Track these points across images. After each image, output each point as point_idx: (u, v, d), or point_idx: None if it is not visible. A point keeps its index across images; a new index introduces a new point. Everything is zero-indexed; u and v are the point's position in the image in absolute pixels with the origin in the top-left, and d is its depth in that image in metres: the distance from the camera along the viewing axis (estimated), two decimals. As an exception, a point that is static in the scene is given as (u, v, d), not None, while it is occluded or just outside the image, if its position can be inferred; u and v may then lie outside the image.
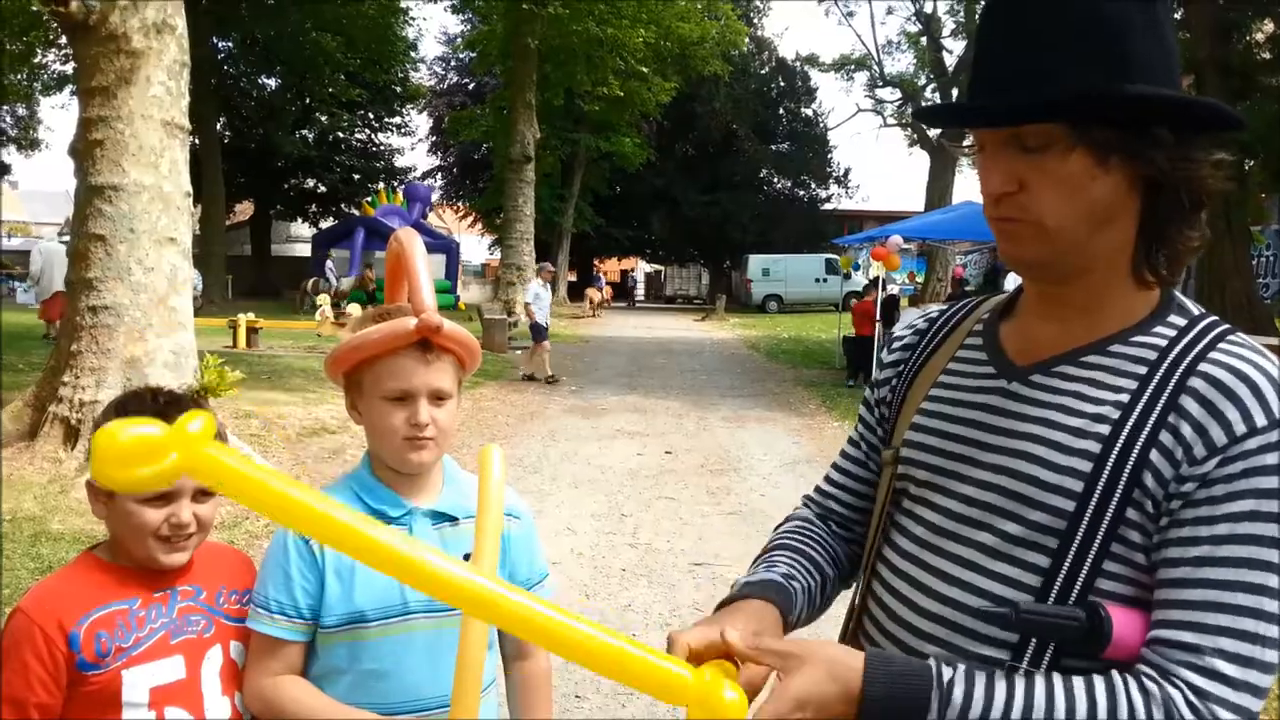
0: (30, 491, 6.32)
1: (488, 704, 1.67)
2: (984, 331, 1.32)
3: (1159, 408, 1.08)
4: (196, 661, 1.58)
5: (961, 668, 1.07)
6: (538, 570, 1.79)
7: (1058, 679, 1.05)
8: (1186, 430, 1.06)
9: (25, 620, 1.50)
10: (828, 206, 48.92)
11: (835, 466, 1.52)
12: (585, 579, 5.60)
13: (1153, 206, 1.12)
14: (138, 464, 0.94)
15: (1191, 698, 1.00)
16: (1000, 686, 1.05)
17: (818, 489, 1.54)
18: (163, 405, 1.58)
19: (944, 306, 1.46)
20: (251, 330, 16.70)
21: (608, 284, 45.46)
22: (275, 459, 7.99)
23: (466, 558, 1.64)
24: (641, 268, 57.16)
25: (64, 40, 22.82)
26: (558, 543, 6.28)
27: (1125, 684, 1.02)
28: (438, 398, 1.63)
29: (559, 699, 3.94)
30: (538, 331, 15.10)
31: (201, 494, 1.59)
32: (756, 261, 39.24)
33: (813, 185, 48.96)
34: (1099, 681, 1.03)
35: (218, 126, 34.54)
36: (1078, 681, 1.04)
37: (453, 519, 1.68)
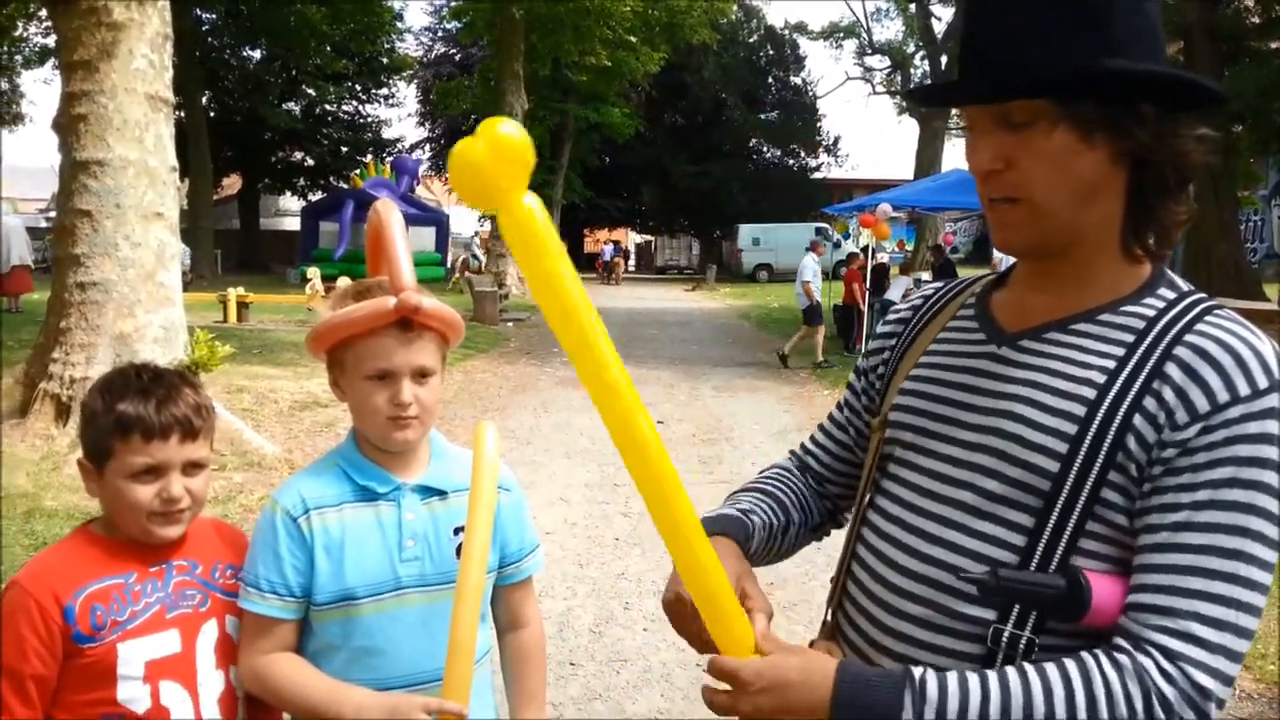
0: (23, 468, 6.32)
1: (482, 675, 1.68)
2: (976, 303, 1.33)
3: (1144, 374, 1.10)
4: (191, 636, 1.59)
5: (932, 669, 1.09)
6: (528, 541, 1.80)
7: (1029, 667, 1.07)
8: (1169, 396, 1.08)
9: (21, 593, 1.51)
10: (817, 175, 48.74)
11: (820, 427, 1.57)
12: (579, 548, 5.63)
13: (1139, 181, 1.14)
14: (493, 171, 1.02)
15: (1163, 662, 1.01)
16: (974, 678, 1.06)
17: (801, 444, 1.59)
18: (147, 382, 1.59)
19: (939, 284, 1.48)
20: (241, 305, 16.66)
21: (621, 252, 44.90)
22: (268, 433, 8.00)
23: (458, 531, 1.66)
24: (631, 238, 56.99)
25: (45, 13, 22.54)
26: (551, 513, 6.31)
27: (1097, 661, 1.04)
28: (420, 375, 1.61)
29: (553, 667, 3.98)
30: (814, 314, 13.92)
31: (192, 467, 1.59)
32: (747, 231, 39.12)
33: (802, 154, 48.80)
34: (1071, 663, 1.05)
35: (203, 100, 34.22)
36: (1049, 666, 1.06)
37: (441, 493, 1.68)
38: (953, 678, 1.07)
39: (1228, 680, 1.02)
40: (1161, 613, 1.04)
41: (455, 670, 1.41)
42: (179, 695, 1.56)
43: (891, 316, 1.49)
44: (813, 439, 1.57)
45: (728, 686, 1.15)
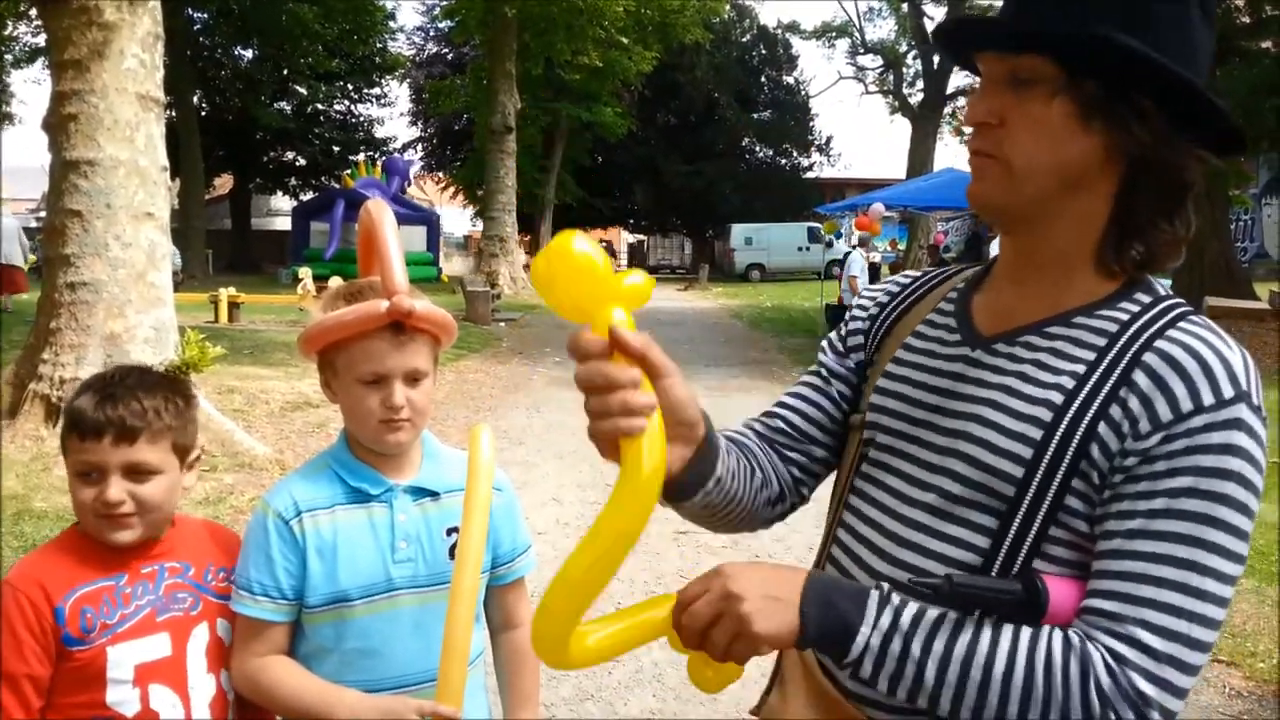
0: (12, 470, 6.30)
1: (475, 676, 1.68)
2: (957, 300, 1.31)
3: (1111, 381, 1.08)
4: (182, 639, 1.58)
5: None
6: (521, 541, 1.80)
7: (989, 620, 1.08)
8: (1134, 404, 1.06)
9: (13, 591, 1.50)
10: (810, 175, 48.81)
11: (789, 393, 1.46)
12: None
13: (1131, 188, 1.12)
14: (573, 285, 1.02)
15: (1110, 661, 1.00)
16: (935, 608, 1.08)
17: (764, 413, 1.45)
18: (109, 381, 1.58)
19: (919, 273, 1.45)
20: (233, 305, 16.60)
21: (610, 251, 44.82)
22: (259, 433, 7.97)
23: (450, 532, 1.66)
24: (624, 238, 56.98)
25: (35, 12, 22.46)
26: (543, 513, 6.30)
27: (1050, 632, 1.04)
28: (413, 378, 1.61)
29: (545, 669, 3.97)
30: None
31: (136, 473, 1.55)
32: (739, 230, 39.17)
33: (795, 154, 48.83)
34: (1026, 628, 1.05)
35: (194, 99, 34.15)
36: (1007, 624, 1.06)
37: (434, 494, 1.68)
38: (913, 600, 1.10)
39: (1176, 691, 1.00)
40: (1110, 618, 1.02)
41: (449, 673, 1.41)
42: (169, 699, 1.55)
43: (868, 298, 1.44)
44: (783, 404, 1.44)
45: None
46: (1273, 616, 4.51)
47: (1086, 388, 1.10)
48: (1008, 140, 1.13)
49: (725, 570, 1.11)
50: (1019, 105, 1.12)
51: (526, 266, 27.50)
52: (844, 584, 1.13)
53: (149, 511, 1.57)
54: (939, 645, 1.05)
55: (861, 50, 45.79)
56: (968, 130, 1.19)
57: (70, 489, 1.57)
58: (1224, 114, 1.10)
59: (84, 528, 1.59)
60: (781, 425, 1.42)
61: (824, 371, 1.43)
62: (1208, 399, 1.03)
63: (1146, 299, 1.15)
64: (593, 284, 1.01)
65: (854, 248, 15.13)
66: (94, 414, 1.53)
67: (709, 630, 1.08)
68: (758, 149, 48.82)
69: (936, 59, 36.93)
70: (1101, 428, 1.07)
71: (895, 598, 1.09)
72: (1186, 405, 1.04)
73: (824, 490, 1.48)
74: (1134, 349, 1.09)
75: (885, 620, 1.07)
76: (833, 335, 1.47)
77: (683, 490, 1.22)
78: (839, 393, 1.41)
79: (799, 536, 5.67)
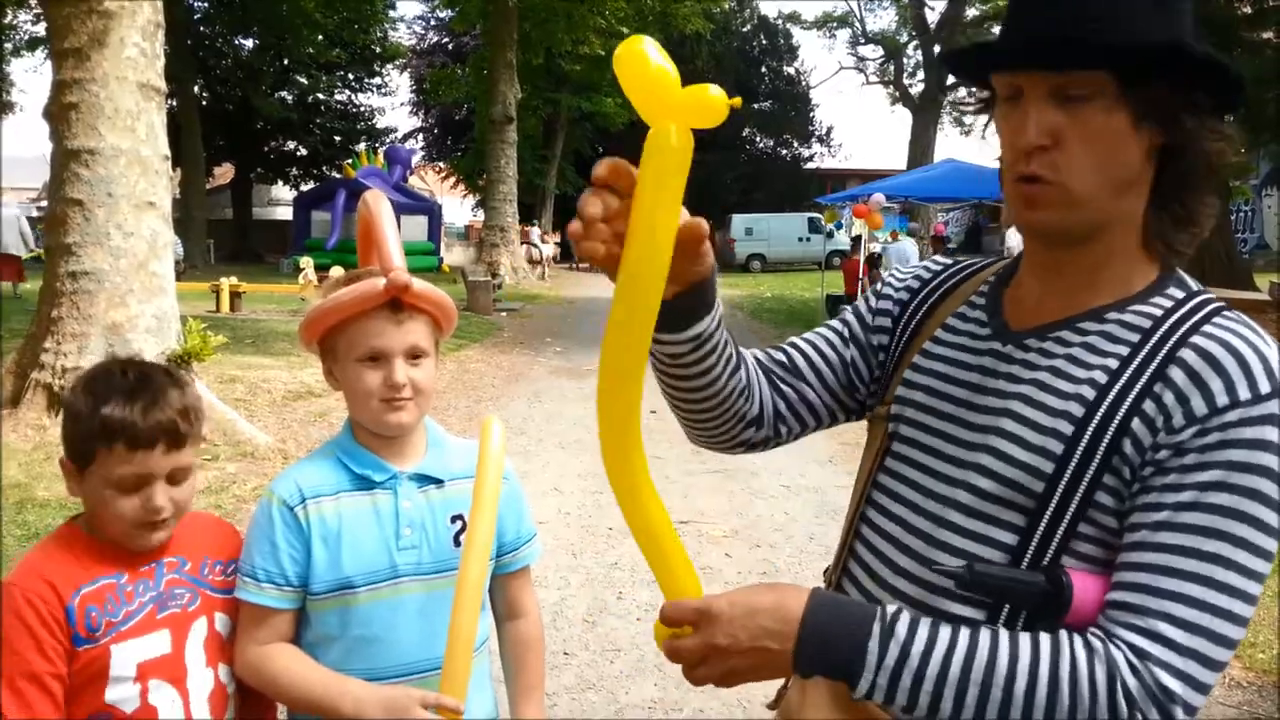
0: (14, 459, 6.31)
1: (481, 664, 1.68)
2: (988, 294, 1.30)
3: (1145, 376, 1.07)
4: (182, 635, 1.57)
5: (906, 611, 1.08)
6: (526, 530, 1.81)
7: (1004, 630, 1.06)
8: (1169, 399, 1.05)
9: (21, 592, 1.48)
10: (810, 165, 48.74)
11: (803, 336, 1.46)
12: (573, 538, 5.63)
13: (1175, 175, 1.12)
14: (642, 87, 1.04)
15: (1133, 659, 0.99)
16: (945, 627, 1.06)
17: (772, 345, 1.45)
18: (133, 382, 1.55)
19: (949, 261, 1.42)
20: (234, 294, 16.60)
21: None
22: (261, 423, 7.98)
23: (454, 519, 1.66)
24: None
25: (35, 0, 22.40)
26: (545, 503, 6.31)
27: (1070, 639, 1.03)
28: (413, 357, 1.62)
29: (547, 657, 3.98)
30: None
31: (177, 473, 1.54)
32: (739, 221, 39.09)
33: (795, 144, 48.76)
34: (1045, 636, 1.04)
35: (195, 89, 34.08)
36: (1024, 634, 1.05)
37: (438, 481, 1.68)
38: (925, 621, 1.06)
39: (1200, 686, 0.99)
40: (1133, 611, 1.01)
41: (454, 664, 1.41)
42: (168, 695, 1.55)
43: (898, 283, 1.42)
44: (789, 344, 1.45)
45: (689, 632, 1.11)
46: (1273, 607, 4.51)
47: (1120, 382, 1.09)
48: (1065, 162, 1.08)
49: (716, 615, 1.09)
50: (1076, 122, 1.07)
51: (542, 261, 27.87)
52: (844, 618, 1.08)
53: (181, 511, 1.58)
54: (954, 670, 1.03)
55: (862, 40, 45.77)
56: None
57: (96, 497, 1.53)
58: (1237, 84, 1.10)
59: (104, 530, 1.56)
60: (783, 359, 1.43)
61: (846, 333, 1.42)
62: (1243, 394, 1.02)
63: (1180, 294, 1.14)
64: (658, 92, 1.04)
65: (906, 235, 15.31)
66: (144, 422, 1.49)
67: (696, 666, 1.11)
68: (758, 139, 48.72)
69: (938, 49, 36.84)
70: (1135, 423, 1.06)
71: (901, 628, 1.05)
72: (1222, 400, 1.03)
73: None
74: (1170, 344, 1.08)
75: (890, 658, 1.04)
76: (860, 305, 1.44)
77: (673, 319, 1.24)
78: (852, 358, 1.40)
79: (798, 526, 5.70)
